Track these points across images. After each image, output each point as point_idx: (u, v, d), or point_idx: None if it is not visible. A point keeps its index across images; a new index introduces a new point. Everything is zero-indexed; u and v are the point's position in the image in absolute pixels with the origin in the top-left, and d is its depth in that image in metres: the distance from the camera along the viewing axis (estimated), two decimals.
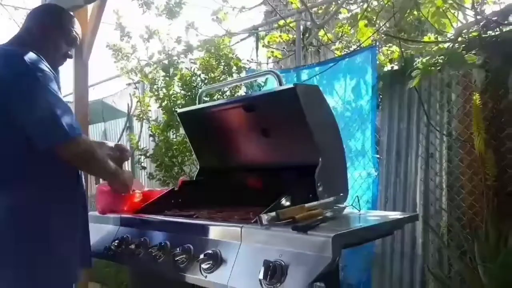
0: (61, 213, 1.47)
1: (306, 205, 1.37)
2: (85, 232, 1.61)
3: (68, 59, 1.73)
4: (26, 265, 1.39)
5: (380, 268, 2.99)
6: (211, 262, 1.27)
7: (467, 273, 2.44)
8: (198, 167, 2.11)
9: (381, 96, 3.25)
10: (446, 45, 3.02)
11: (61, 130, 1.35)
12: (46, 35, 1.59)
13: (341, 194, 1.60)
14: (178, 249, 1.37)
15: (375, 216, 1.63)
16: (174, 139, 3.60)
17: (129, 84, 3.98)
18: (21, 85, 1.37)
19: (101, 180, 1.77)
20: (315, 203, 1.42)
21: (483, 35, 2.66)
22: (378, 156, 3.13)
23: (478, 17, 2.76)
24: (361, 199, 1.67)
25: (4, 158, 1.41)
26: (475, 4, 2.89)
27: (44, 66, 1.44)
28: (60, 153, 1.41)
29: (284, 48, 5.03)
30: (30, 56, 1.42)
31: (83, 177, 1.66)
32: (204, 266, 1.28)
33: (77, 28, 1.71)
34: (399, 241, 2.91)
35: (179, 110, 2.08)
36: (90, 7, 2.74)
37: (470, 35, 2.82)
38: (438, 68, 2.76)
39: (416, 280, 2.81)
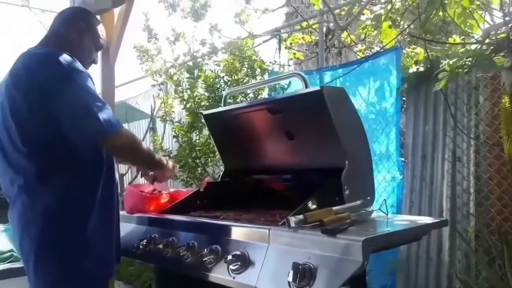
0: (99, 208, 1.51)
1: (334, 208, 1.37)
2: (117, 227, 1.65)
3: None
4: (66, 260, 1.42)
5: (405, 273, 2.95)
6: (239, 263, 1.27)
7: (495, 280, 2.38)
8: (223, 169, 2.12)
9: (405, 99, 3.21)
10: (473, 47, 2.96)
11: (100, 128, 1.39)
12: (79, 40, 1.63)
13: (368, 198, 1.58)
14: (205, 249, 1.38)
15: (404, 220, 1.61)
16: (197, 140, 3.64)
17: (153, 86, 4.04)
18: (59, 88, 1.41)
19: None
20: (342, 206, 1.41)
21: None
22: (403, 159, 3.09)
23: (507, 18, 2.69)
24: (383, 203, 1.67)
25: (43, 156, 1.44)
26: (503, 5, 2.82)
27: (79, 66, 1.48)
28: (105, 149, 1.48)
29: (306, 50, 5.02)
30: (65, 57, 1.46)
31: (116, 173, 1.69)
32: (232, 267, 1.28)
33: (104, 34, 1.76)
34: (424, 247, 2.86)
35: (204, 112, 2.10)
36: (116, 10, 2.78)
37: (498, 37, 2.76)
38: (466, 70, 2.70)
39: (442, 286, 2.76)
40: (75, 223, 1.45)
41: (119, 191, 1.70)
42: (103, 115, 1.40)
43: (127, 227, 1.79)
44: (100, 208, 1.51)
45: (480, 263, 2.54)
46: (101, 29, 1.74)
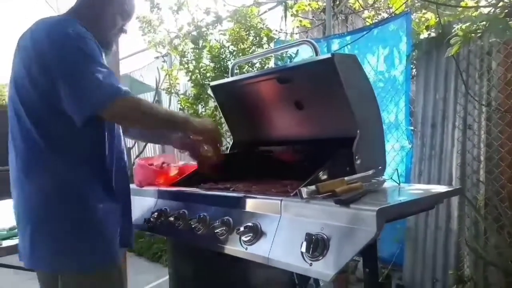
0: (104, 188, 1.45)
1: (346, 178, 1.35)
2: (127, 208, 1.57)
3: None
4: (66, 235, 1.37)
5: (413, 241, 2.97)
6: (251, 234, 1.27)
7: (505, 247, 2.39)
8: (230, 141, 2.11)
9: (412, 66, 3.14)
10: (486, 10, 2.85)
11: (101, 95, 1.31)
12: (101, 8, 1.53)
13: (380, 167, 1.56)
14: (217, 221, 1.38)
15: (417, 189, 1.59)
16: (204, 112, 3.61)
17: (157, 57, 3.98)
18: (62, 56, 1.34)
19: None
20: (355, 176, 1.39)
21: None
22: (412, 128, 3.05)
23: None
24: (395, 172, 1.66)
25: (43, 130, 1.38)
26: None
27: (88, 35, 1.39)
28: (107, 118, 1.38)
29: (313, 17, 4.89)
30: (75, 26, 1.38)
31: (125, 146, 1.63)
32: (244, 238, 1.28)
33: (132, 1, 1.63)
34: (433, 215, 2.87)
35: (212, 83, 2.06)
36: None
37: None
38: (479, 35, 2.62)
39: (450, 254, 2.78)
40: (76, 200, 1.39)
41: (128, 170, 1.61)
42: (106, 80, 1.31)
43: (137, 200, 1.79)
44: (105, 188, 1.45)
45: (489, 230, 2.55)
46: None
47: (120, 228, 1.49)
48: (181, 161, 2.00)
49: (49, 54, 1.34)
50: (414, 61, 3.12)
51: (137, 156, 5.54)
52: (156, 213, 1.63)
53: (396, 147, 3.13)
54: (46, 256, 1.38)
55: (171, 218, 1.55)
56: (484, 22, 2.47)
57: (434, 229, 2.87)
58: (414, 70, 3.18)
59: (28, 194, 1.39)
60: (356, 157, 1.50)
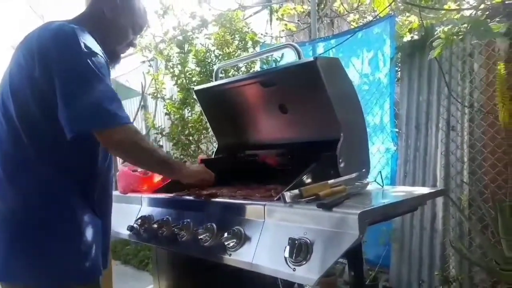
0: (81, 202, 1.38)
1: (329, 181, 1.35)
2: (106, 227, 1.49)
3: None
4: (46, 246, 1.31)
5: (399, 243, 2.98)
6: (235, 240, 1.26)
7: (488, 247, 2.41)
8: (216, 145, 2.10)
9: (397, 69, 3.17)
10: (468, 13, 2.90)
11: (99, 117, 1.26)
12: (113, 19, 1.47)
13: (363, 170, 1.57)
14: (201, 227, 1.36)
15: (400, 191, 1.59)
16: (190, 117, 3.59)
17: (143, 62, 3.95)
18: (70, 64, 1.27)
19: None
20: (338, 179, 1.40)
21: (507, 2, 2.54)
22: (397, 130, 3.07)
23: None
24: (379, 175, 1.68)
25: (34, 136, 1.32)
26: None
27: (98, 49, 1.33)
28: (102, 142, 1.33)
29: (298, 20, 4.91)
30: (86, 37, 1.31)
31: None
32: (228, 244, 1.27)
33: (145, 13, 1.58)
34: (418, 216, 2.89)
35: (195, 88, 2.05)
36: None
37: (494, 2, 2.70)
38: (460, 37, 2.66)
39: (436, 254, 2.80)
40: (60, 209, 1.33)
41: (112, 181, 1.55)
42: (107, 104, 1.26)
43: (121, 207, 1.77)
44: (89, 203, 1.40)
45: (473, 231, 2.57)
46: (139, 7, 1.53)
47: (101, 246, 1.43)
48: None
49: (54, 59, 1.26)
50: (398, 64, 3.15)
51: (123, 162, 5.48)
52: (139, 220, 1.61)
53: (381, 149, 3.16)
54: (23, 265, 1.29)
55: (155, 225, 1.53)
56: (465, 25, 2.50)
57: (419, 230, 2.89)
58: (399, 72, 3.21)
59: (9, 200, 1.33)
60: (340, 160, 1.50)
